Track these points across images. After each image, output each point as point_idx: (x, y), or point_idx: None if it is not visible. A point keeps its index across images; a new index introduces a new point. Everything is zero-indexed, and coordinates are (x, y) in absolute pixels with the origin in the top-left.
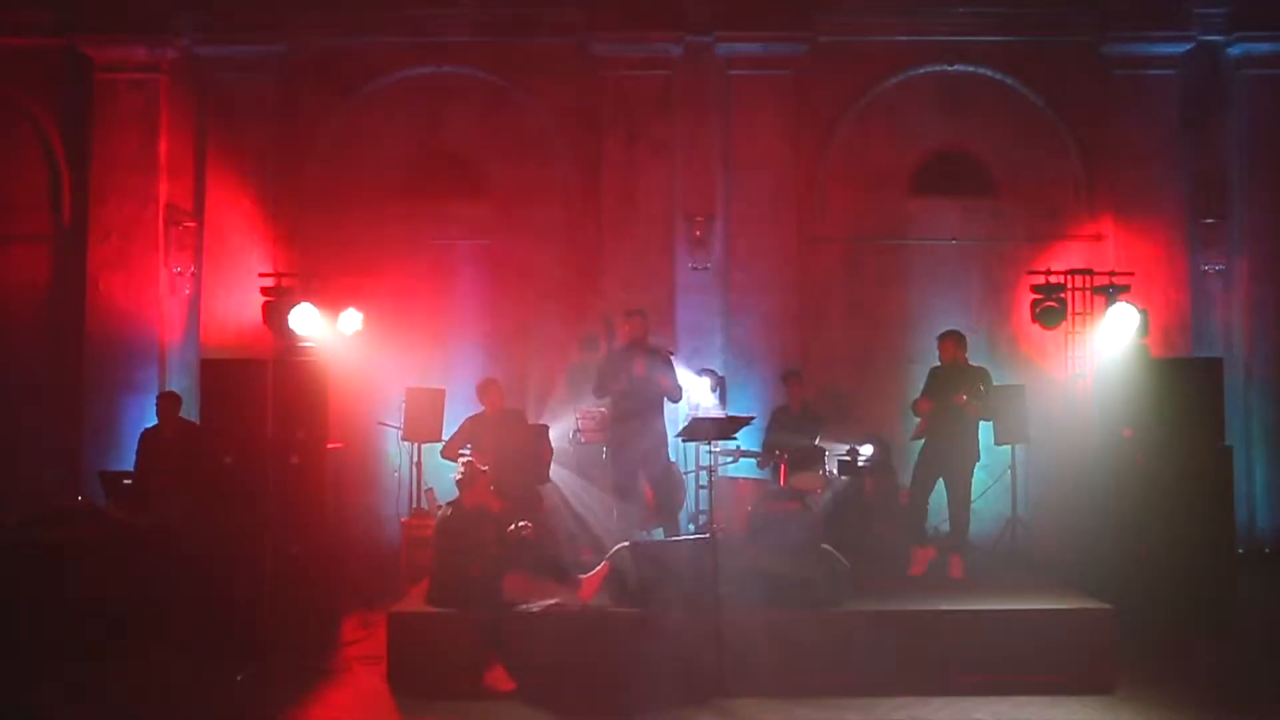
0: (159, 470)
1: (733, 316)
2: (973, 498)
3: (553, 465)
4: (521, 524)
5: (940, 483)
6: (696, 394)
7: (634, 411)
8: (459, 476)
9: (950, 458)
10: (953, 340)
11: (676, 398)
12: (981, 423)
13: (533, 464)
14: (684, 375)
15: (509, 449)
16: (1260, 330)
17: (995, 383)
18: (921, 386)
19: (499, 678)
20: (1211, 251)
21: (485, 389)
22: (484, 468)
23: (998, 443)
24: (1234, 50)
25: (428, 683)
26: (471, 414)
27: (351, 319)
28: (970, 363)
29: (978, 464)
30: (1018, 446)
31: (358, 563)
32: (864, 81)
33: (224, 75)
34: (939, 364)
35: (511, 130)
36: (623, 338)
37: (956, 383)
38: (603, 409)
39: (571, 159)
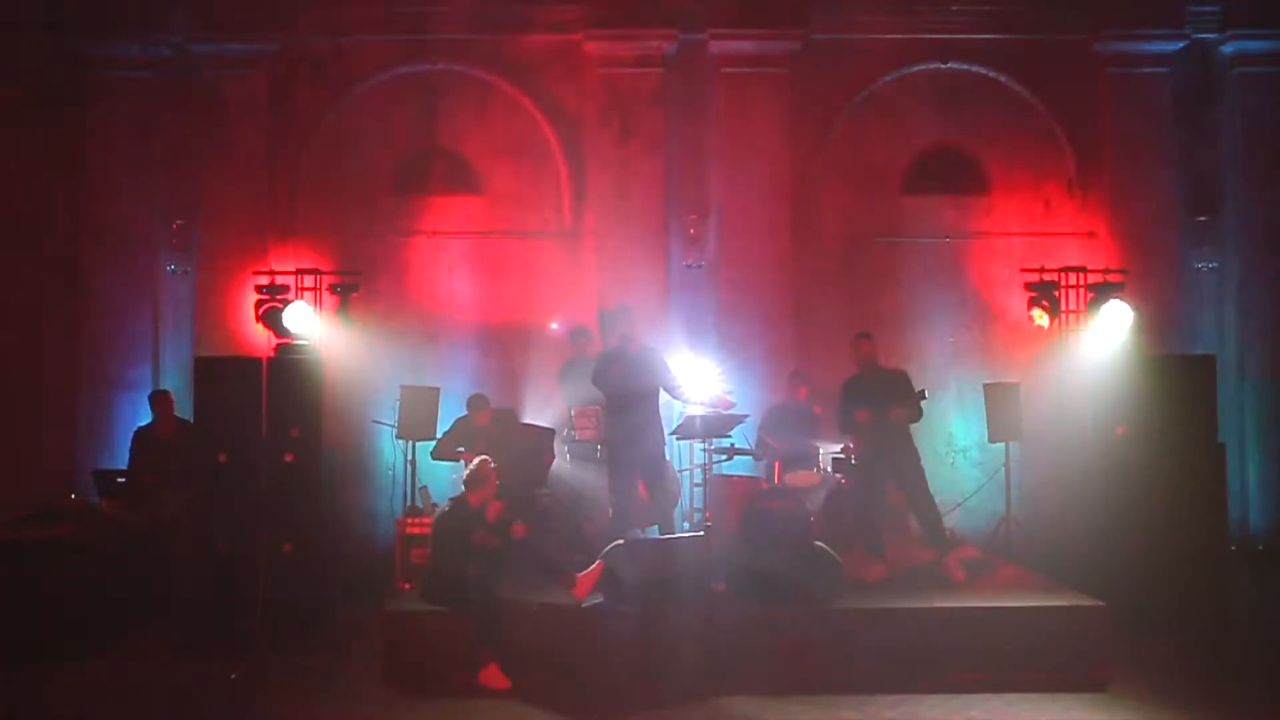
0: (153, 468)
1: (726, 314)
2: (965, 496)
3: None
4: (514, 524)
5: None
6: (701, 390)
7: (629, 409)
8: (468, 474)
9: (898, 466)
10: (872, 341)
11: (679, 395)
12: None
13: (529, 462)
14: (690, 371)
15: (503, 449)
16: (1253, 328)
17: (989, 381)
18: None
19: (494, 676)
20: (1204, 249)
21: (472, 406)
22: (494, 466)
23: (991, 441)
24: (1227, 48)
25: (423, 680)
26: (462, 415)
27: (345, 317)
28: (884, 366)
29: (975, 462)
30: (1011, 444)
31: (352, 561)
32: (858, 79)
33: (218, 72)
34: (856, 373)
35: (505, 127)
36: (613, 338)
37: (885, 389)
38: (597, 406)
39: (565, 156)
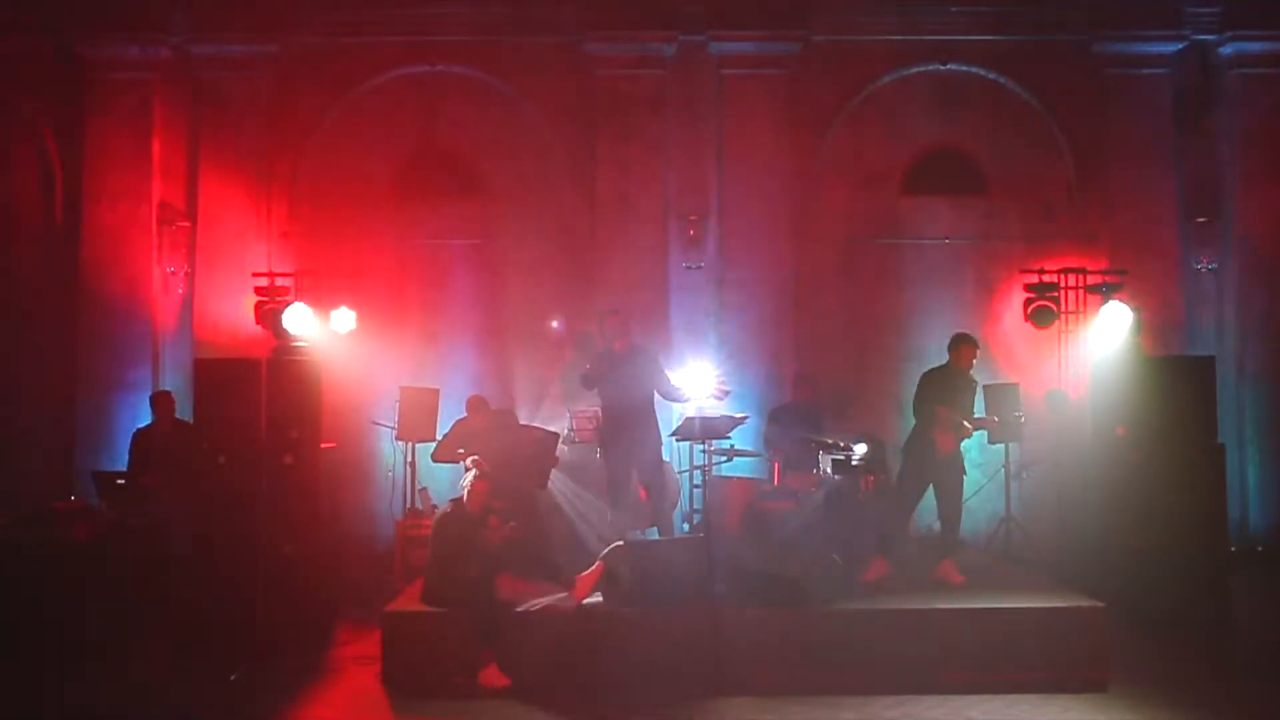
0: (152, 470)
1: (726, 315)
2: (965, 497)
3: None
4: (510, 524)
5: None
6: (695, 386)
7: (624, 411)
8: (467, 476)
9: (944, 469)
10: (978, 348)
11: (674, 395)
12: None
13: (530, 464)
14: (685, 375)
15: (501, 451)
16: (1252, 328)
17: (988, 382)
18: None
19: (494, 676)
20: (1204, 250)
21: (471, 407)
22: (488, 469)
23: (991, 441)
24: (1226, 49)
25: (422, 682)
26: (461, 417)
27: (345, 318)
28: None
29: (975, 462)
30: (1011, 445)
31: (352, 562)
32: (858, 80)
33: (217, 74)
34: (941, 367)
35: (505, 129)
36: (603, 340)
37: (963, 394)
38: (596, 409)
39: (565, 158)
